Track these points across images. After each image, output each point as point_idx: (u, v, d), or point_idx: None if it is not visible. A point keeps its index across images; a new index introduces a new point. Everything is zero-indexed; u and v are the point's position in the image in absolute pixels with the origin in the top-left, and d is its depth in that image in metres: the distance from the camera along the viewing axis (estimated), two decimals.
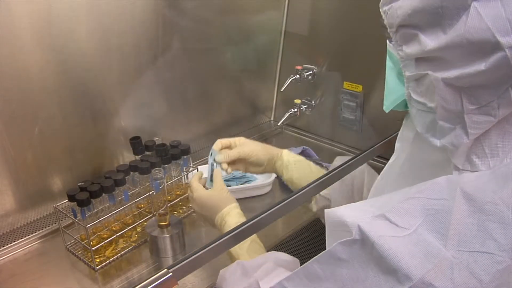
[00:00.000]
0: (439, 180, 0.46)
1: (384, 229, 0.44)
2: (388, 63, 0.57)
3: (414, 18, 0.45)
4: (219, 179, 0.87)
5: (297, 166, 0.91)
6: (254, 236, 0.76)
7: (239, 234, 0.58)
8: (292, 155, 0.94)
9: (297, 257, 0.97)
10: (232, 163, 0.92)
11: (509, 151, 0.46)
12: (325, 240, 0.93)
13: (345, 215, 0.48)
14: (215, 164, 0.89)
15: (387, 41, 0.54)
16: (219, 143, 0.92)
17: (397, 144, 0.64)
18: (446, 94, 0.45)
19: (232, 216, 0.80)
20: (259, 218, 0.60)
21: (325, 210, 0.53)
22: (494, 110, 0.43)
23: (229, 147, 0.93)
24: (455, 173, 0.49)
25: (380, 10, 0.50)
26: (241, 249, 0.74)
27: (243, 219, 0.78)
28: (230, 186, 1.18)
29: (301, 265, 0.70)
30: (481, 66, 0.41)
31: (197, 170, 1.11)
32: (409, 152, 0.59)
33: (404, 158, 0.60)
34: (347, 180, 0.86)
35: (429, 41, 0.44)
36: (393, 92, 0.56)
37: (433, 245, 0.42)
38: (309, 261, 0.50)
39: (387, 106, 0.58)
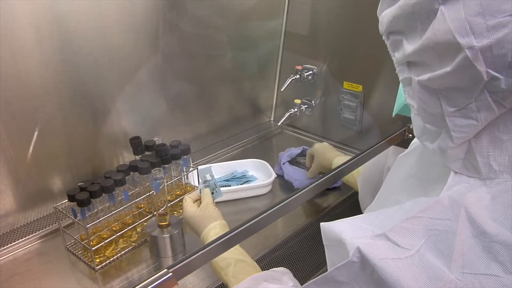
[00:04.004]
0: (442, 199, 0.45)
1: (385, 251, 0.43)
2: None
3: (396, 24, 0.46)
4: (207, 197, 0.90)
5: None
6: (237, 256, 0.75)
7: (239, 235, 0.58)
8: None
9: (297, 258, 0.97)
10: None
11: (502, 161, 0.45)
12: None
13: (343, 231, 0.47)
14: (207, 182, 0.94)
15: None
16: None
17: (414, 140, 0.64)
18: (424, 96, 0.46)
19: (215, 231, 0.81)
20: (259, 218, 0.60)
21: (321, 223, 0.52)
22: (474, 113, 0.43)
23: None
24: (453, 175, 0.49)
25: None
26: (227, 274, 0.73)
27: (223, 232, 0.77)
28: (230, 186, 1.18)
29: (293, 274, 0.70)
30: (447, 68, 0.41)
31: (197, 170, 1.12)
32: (420, 152, 0.60)
33: (415, 157, 0.61)
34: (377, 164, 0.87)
35: (408, 46, 0.45)
36: (400, 97, 0.57)
37: (437, 267, 0.41)
38: (306, 284, 0.49)
39: (394, 111, 0.59)
